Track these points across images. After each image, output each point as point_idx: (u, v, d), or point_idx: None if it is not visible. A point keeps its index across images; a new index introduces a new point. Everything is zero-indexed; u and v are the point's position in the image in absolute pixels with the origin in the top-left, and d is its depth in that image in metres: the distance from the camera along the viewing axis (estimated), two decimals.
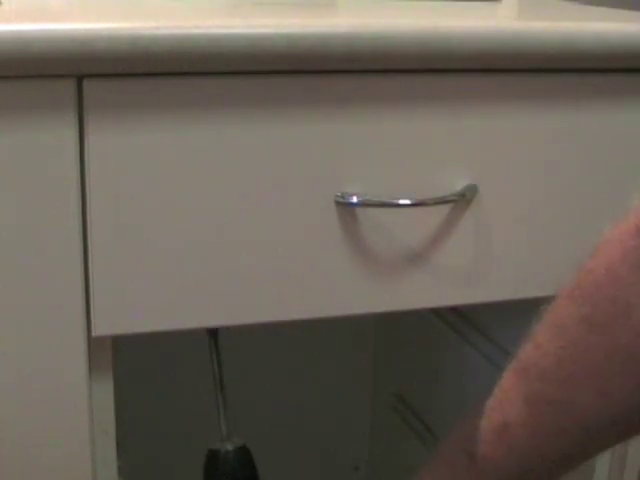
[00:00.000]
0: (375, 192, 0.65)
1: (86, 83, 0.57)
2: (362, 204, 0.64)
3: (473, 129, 0.67)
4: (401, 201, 0.65)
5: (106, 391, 0.64)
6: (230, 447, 0.82)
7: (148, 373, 1.16)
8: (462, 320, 1.04)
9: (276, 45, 0.58)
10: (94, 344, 0.62)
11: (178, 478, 1.23)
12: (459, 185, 0.67)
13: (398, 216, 0.66)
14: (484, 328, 1.00)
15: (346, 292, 0.67)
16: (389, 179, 0.65)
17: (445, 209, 0.67)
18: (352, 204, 0.64)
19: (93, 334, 0.62)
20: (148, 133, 0.59)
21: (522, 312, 0.92)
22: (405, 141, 0.65)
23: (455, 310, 1.05)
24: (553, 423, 0.51)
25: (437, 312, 1.08)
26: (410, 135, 0.65)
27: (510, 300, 0.73)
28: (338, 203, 0.64)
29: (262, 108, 0.61)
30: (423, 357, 1.15)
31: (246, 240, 0.63)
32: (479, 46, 0.63)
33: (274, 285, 0.65)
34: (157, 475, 1.20)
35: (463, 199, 0.67)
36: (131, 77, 0.58)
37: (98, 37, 0.55)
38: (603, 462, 0.81)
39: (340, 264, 0.66)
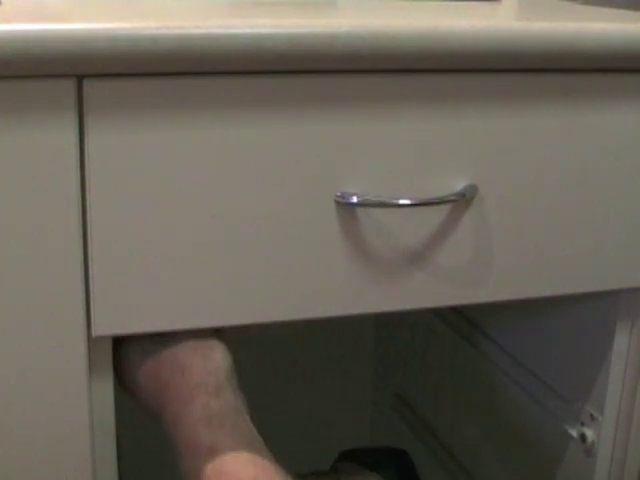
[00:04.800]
0: (375, 192, 0.65)
1: (86, 83, 0.57)
2: (362, 204, 0.64)
3: (473, 129, 0.67)
4: (401, 201, 0.65)
5: (106, 391, 0.64)
6: None
7: None
8: (462, 320, 1.04)
9: (276, 45, 0.58)
10: (94, 344, 0.62)
11: (178, 478, 1.23)
12: (459, 185, 0.67)
13: (398, 216, 0.66)
14: (484, 328, 1.00)
15: (346, 292, 0.67)
16: (389, 179, 0.65)
17: (445, 209, 0.67)
18: (352, 204, 0.64)
19: (93, 334, 0.62)
20: (148, 133, 0.59)
21: (522, 312, 0.93)
22: (405, 141, 0.65)
23: (455, 310, 1.05)
24: None
25: (437, 312, 1.09)
26: (410, 135, 0.65)
27: (510, 300, 0.73)
28: (338, 203, 0.64)
29: (262, 108, 0.61)
30: (423, 357, 1.15)
31: (246, 240, 0.63)
32: (479, 46, 0.63)
33: (274, 285, 0.65)
34: (157, 475, 1.20)
35: (463, 199, 0.67)
36: (131, 77, 0.58)
37: (98, 37, 0.55)
38: (603, 462, 0.81)
39: (340, 264, 0.66)
